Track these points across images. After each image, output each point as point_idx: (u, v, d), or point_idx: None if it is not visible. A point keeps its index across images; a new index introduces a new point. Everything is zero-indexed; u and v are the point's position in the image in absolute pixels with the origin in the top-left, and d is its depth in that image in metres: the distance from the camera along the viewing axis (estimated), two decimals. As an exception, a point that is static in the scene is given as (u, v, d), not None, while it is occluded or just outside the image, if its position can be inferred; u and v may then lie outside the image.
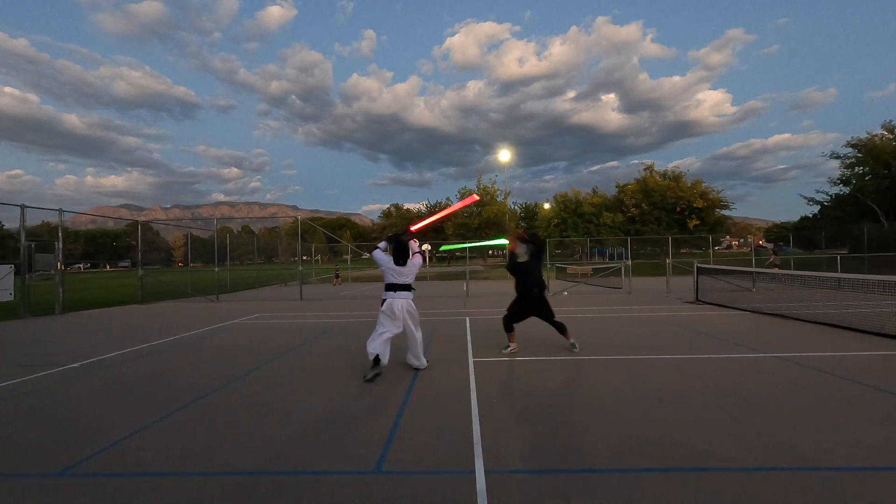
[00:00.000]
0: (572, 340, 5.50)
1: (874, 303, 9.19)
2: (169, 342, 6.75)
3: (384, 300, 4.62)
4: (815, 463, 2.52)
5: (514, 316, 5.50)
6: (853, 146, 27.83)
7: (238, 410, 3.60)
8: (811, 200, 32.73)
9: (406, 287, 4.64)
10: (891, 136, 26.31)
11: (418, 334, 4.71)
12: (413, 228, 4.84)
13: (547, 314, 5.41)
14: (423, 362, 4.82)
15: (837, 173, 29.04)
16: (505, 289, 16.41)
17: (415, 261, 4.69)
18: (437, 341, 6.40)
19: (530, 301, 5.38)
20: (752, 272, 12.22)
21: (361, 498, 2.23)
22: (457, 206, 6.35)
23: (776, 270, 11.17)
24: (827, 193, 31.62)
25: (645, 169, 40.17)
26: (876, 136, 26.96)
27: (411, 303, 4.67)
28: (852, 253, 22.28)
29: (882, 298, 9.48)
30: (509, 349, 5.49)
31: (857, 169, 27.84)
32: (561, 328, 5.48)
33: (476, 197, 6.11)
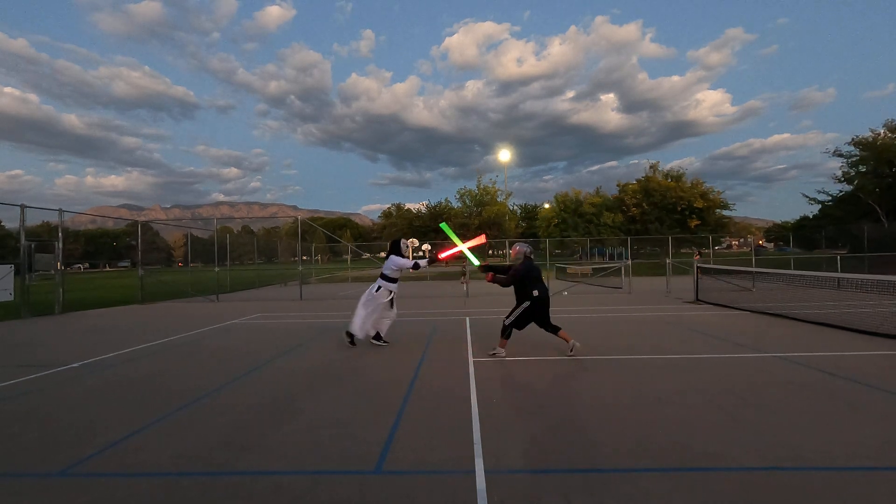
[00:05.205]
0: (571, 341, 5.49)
1: (874, 302, 9.18)
2: (169, 342, 6.75)
3: None
4: (815, 463, 2.52)
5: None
6: (856, 144, 27.80)
7: (238, 410, 3.60)
8: (813, 200, 32.72)
9: (382, 276, 5.90)
10: (893, 136, 26.29)
11: (362, 312, 5.81)
12: (441, 256, 6.07)
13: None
14: (357, 331, 5.83)
15: (841, 171, 29.01)
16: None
17: (390, 262, 5.86)
18: (437, 341, 6.39)
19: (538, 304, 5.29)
20: (752, 272, 12.25)
21: (361, 498, 2.24)
22: (470, 243, 6.38)
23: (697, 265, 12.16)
24: (828, 193, 31.62)
25: (650, 167, 40.28)
26: (879, 134, 26.95)
27: (378, 287, 5.87)
28: (852, 253, 22.26)
29: (882, 298, 9.48)
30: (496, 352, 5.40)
31: (860, 167, 27.81)
32: (554, 329, 5.45)
33: (483, 238, 6.41)
